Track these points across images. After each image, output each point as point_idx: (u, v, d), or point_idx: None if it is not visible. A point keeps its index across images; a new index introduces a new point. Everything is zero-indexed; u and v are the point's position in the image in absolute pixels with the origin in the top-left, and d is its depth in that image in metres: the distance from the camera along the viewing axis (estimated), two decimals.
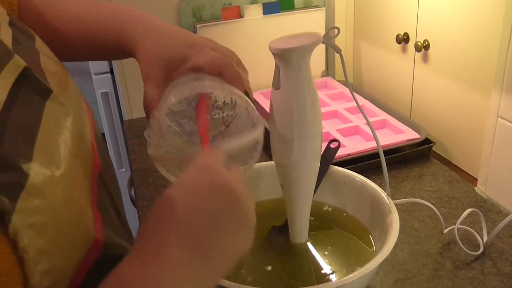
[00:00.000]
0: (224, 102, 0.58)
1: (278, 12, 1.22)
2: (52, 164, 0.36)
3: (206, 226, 0.37)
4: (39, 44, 0.50)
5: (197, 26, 1.16)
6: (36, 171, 0.33)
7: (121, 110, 1.60)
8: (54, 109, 0.40)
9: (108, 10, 0.61)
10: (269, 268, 0.62)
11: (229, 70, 0.54)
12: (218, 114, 0.59)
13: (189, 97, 0.56)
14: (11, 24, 0.47)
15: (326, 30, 0.83)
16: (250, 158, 0.53)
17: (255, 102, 0.57)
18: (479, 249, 0.72)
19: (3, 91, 0.36)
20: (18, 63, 0.39)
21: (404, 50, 1.10)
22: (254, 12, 1.20)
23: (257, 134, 0.51)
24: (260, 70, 1.17)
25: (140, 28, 0.58)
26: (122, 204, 0.57)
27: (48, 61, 0.48)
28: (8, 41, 0.42)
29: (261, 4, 1.19)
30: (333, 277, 0.61)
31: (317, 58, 1.31)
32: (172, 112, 0.62)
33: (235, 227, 0.38)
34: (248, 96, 0.54)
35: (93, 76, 1.61)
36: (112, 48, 0.60)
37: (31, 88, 0.39)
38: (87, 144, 0.45)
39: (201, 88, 0.51)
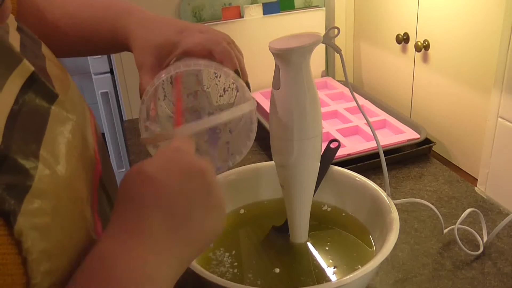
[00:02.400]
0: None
1: (278, 12, 1.22)
2: (56, 168, 0.36)
3: (184, 205, 0.38)
4: (45, 49, 0.50)
5: None
6: (41, 173, 0.34)
7: (121, 110, 1.60)
8: (59, 114, 0.41)
9: (102, 4, 0.62)
10: (277, 270, 0.62)
11: (217, 48, 0.55)
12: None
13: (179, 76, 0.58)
14: (19, 29, 0.47)
15: (326, 30, 0.83)
16: (246, 139, 0.56)
17: (251, 89, 0.58)
18: (479, 249, 0.72)
19: (11, 94, 0.36)
20: (26, 67, 0.40)
21: (404, 50, 1.10)
22: (254, 12, 1.20)
23: (248, 108, 0.52)
24: (260, 70, 1.17)
25: (134, 20, 0.59)
26: None
27: (53, 67, 0.48)
28: (16, 46, 0.43)
29: (261, 4, 1.19)
30: (334, 277, 0.61)
31: (317, 58, 1.31)
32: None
33: (208, 207, 0.40)
34: (239, 74, 0.56)
35: (93, 76, 1.61)
36: (108, 41, 0.62)
37: (38, 92, 0.40)
38: (90, 149, 0.46)
39: (187, 66, 0.54)
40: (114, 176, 0.59)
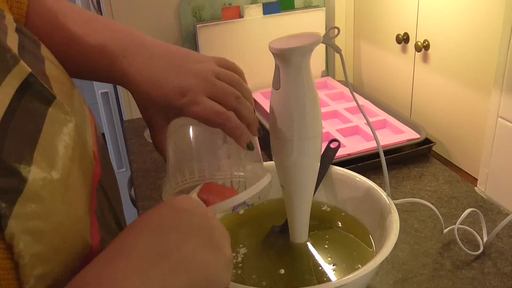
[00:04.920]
0: None
1: (278, 12, 1.22)
2: (52, 170, 0.36)
3: (177, 234, 0.38)
4: (45, 51, 0.49)
5: (197, 26, 1.16)
6: (35, 176, 0.33)
7: (121, 110, 1.60)
8: (56, 116, 0.40)
9: (98, 38, 0.58)
10: (282, 271, 0.62)
11: (226, 128, 0.53)
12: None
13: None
14: (17, 30, 0.46)
15: (326, 30, 0.83)
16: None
17: (260, 130, 0.58)
18: (479, 249, 0.72)
19: (5, 96, 0.36)
20: (23, 69, 0.39)
21: (404, 50, 1.10)
22: (254, 12, 1.20)
23: (267, 180, 0.53)
24: (260, 70, 1.17)
25: (128, 64, 0.55)
26: (122, 210, 0.57)
27: (53, 68, 0.47)
28: (14, 47, 0.42)
29: (261, 4, 1.20)
30: (334, 277, 0.61)
31: (317, 58, 1.31)
32: None
33: (202, 244, 0.39)
34: (252, 146, 0.55)
35: None
36: (106, 79, 0.59)
37: (34, 94, 0.39)
38: (88, 151, 0.45)
39: (202, 178, 0.52)
40: (115, 178, 0.58)
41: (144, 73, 0.55)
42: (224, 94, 0.54)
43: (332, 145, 0.74)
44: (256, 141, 0.57)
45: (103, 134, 1.72)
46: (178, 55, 0.56)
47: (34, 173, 0.34)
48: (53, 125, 0.39)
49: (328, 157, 0.73)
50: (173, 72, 0.54)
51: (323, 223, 0.70)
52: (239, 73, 0.58)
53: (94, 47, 0.57)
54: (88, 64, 0.58)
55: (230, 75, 0.56)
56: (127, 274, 0.34)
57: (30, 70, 0.39)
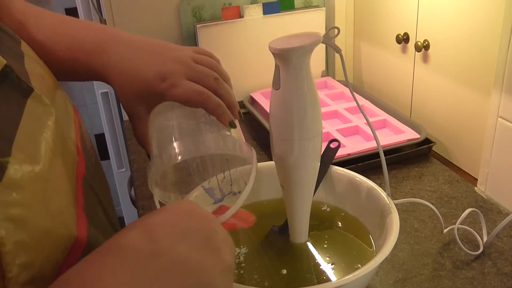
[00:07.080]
0: None
1: (278, 12, 1.22)
2: (32, 161, 0.35)
3: (170, 233, 0.37)
4: (25, 47, 0.49)
5: (197, 26, 1.16)
6: (14, 166, 0.33)
7: (121, 110, 1.60)
8: (35, 107, 0.40)
9: (74, 37, 0.59)
10: (284, 271, 0.62)
11: (208, 106, 0.54)
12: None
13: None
14: None
15: (326, 30, 0.83)
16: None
17: (242, 115, 0.59)
18: (479, 249, 0.72)
19: None
20: None
21: (404, 50, 1.10)
22: (254, 12, 1.20)
23: (254, 166, 0.53)
24: (260, 70, 1.17)
25: (106, 60, 0.57)
26: (113, 209, 0.56)
27: (33, 64, 0.47)
28: None
29: (261, 4, 1.20)
30: (334, 277, 0.61)
31: (317, 58, 1.31)
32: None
33: (198, 246, 0.38)
34: (233, 124, 0.56)
35: None
36: (85, 76, 0.60)
37: (11, 86, 0.39)
38: (70, 145, 0.45)
39: (188, 153, 0.53)
40: (105, 178, 0.58)
41: (124, 63, 0.56)
42: (203, 76, 0.56)
43: (332, 145, 0.74)
44: (237, 124, 0.58)
45: (103, 134, 1.72)
46: (156, 46, 0.59)
47: (14, 163, 0.33)
48: (32, 116, 0.39)
49: (328, 157, 0.73)
50: (152, 60, 0.56)
51: (323, 223, 0.70)
52: (216, 60, 0.60)
53: (72, 44, 0.58)
54: (67, 62, 0.59)
55: (208, 60, 0.58)
56: (114, 272, 0.33)
57: (5, 62, 0.39)
